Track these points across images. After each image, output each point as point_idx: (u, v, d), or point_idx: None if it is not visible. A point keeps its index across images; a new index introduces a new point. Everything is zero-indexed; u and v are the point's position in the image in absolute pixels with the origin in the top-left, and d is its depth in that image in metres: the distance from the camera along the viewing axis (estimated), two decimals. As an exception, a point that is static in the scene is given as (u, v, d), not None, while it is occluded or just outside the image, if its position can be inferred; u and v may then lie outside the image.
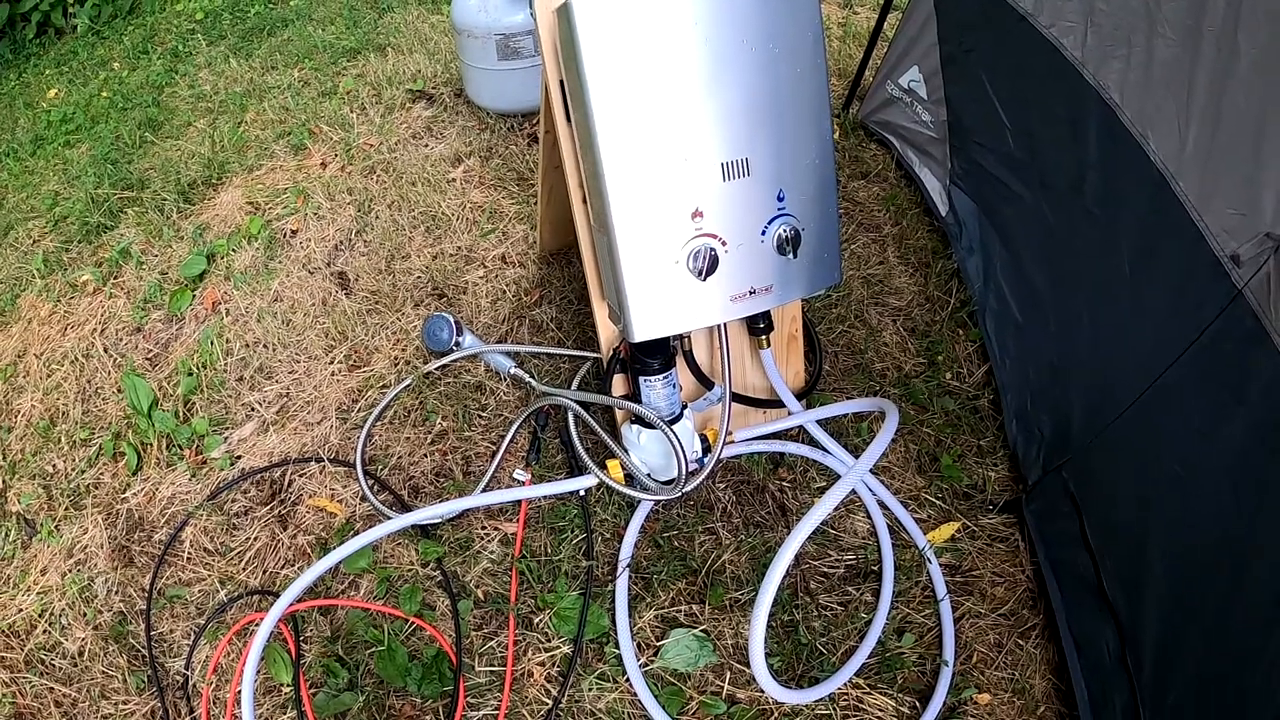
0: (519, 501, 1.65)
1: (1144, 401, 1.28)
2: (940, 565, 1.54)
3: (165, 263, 2.41)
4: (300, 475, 1.79)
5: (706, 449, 1.55)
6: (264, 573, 1.64)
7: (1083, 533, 1.39)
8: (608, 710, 1.39)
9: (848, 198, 2.40)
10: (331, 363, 2.02)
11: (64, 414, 2.03)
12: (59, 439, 1.97)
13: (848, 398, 1.81)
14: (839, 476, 1.63)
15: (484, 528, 1.65)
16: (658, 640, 1.46)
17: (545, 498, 1.65)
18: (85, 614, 1.62)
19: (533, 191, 2.45)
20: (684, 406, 1.56)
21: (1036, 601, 1.50)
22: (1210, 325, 1.13)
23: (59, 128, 3.48)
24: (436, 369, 1.95)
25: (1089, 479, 1.42)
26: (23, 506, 1.84)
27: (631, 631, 1.46)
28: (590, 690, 1.41)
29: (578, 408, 1.62)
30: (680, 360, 1.57)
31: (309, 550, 1.65)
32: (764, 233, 1.33)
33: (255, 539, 1.69)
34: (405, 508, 1.69)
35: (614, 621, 1.48)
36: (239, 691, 1.42)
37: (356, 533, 1.63)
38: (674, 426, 1.49)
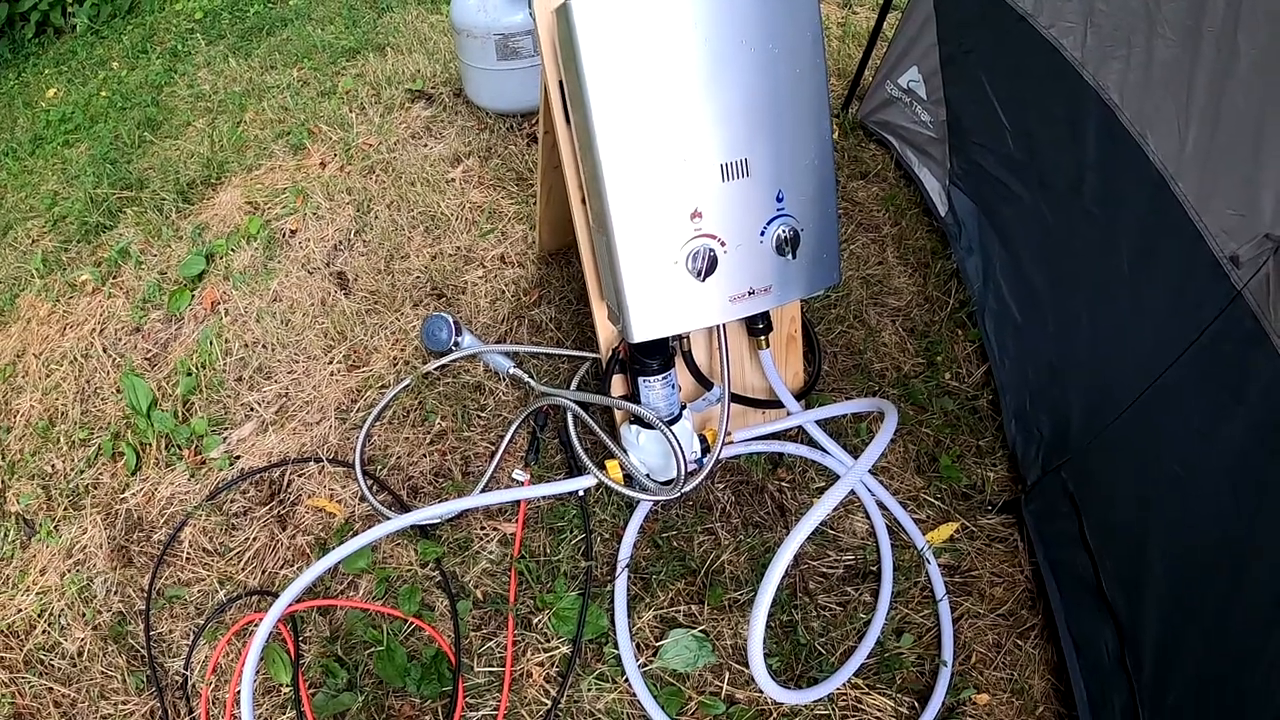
0: (518, 502, 1.65)
1: (1143, 402, 1.28)
2: (939, 565, 1.54)
3: (164, 262, 2.41)
4: (299, 475, 1.78)
5: (705, 449, 1.55)
6: (263, 573, 1.64)
7: (1081, 533, 1.39)
8: (607, 710, 1.39)
9: (847, 198, 2.40)
10: (330, 363, 2.02)
11: (63, 414, 2.03)
12: (58, 439, 1.97)
13: (847, 398, 1.81)
14: (838, 477, 1.64)
15: (483, 528, 1.65)
16: (657, 640, 1.46)
17: (544, 498, 1.65)
18: (84, 614, 1.62)
19: (532, 191, 2.45)
20: (683, 407, 1.56)
21: (1035, 602, 1.50)
22: (1209, 326, 1.13)
23: (58, 127, 3.48)
24: (435, 369, 1.95)
25: (1088, 479, 1.42)
26: (22, 506, 1.84)
27: (630, 632, 1.46)
28: (589, 690, 1.41)
29: (577, 408, 1.62)
30: (679, 361, 1.57)
31: (308, 550, 1.65)
32: (763, 233, 1.33)
33: (254, 539, 1.69)
34: (404, 508, 1.69)
35: (613, 622, 1.48)
36: (238, 691, 1.42)
37: (355, 533, 1.63)
38: (673, 427, 1.49)
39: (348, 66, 3.29)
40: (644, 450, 1.53)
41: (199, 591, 1.62)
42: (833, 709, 1.37)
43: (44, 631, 1.61)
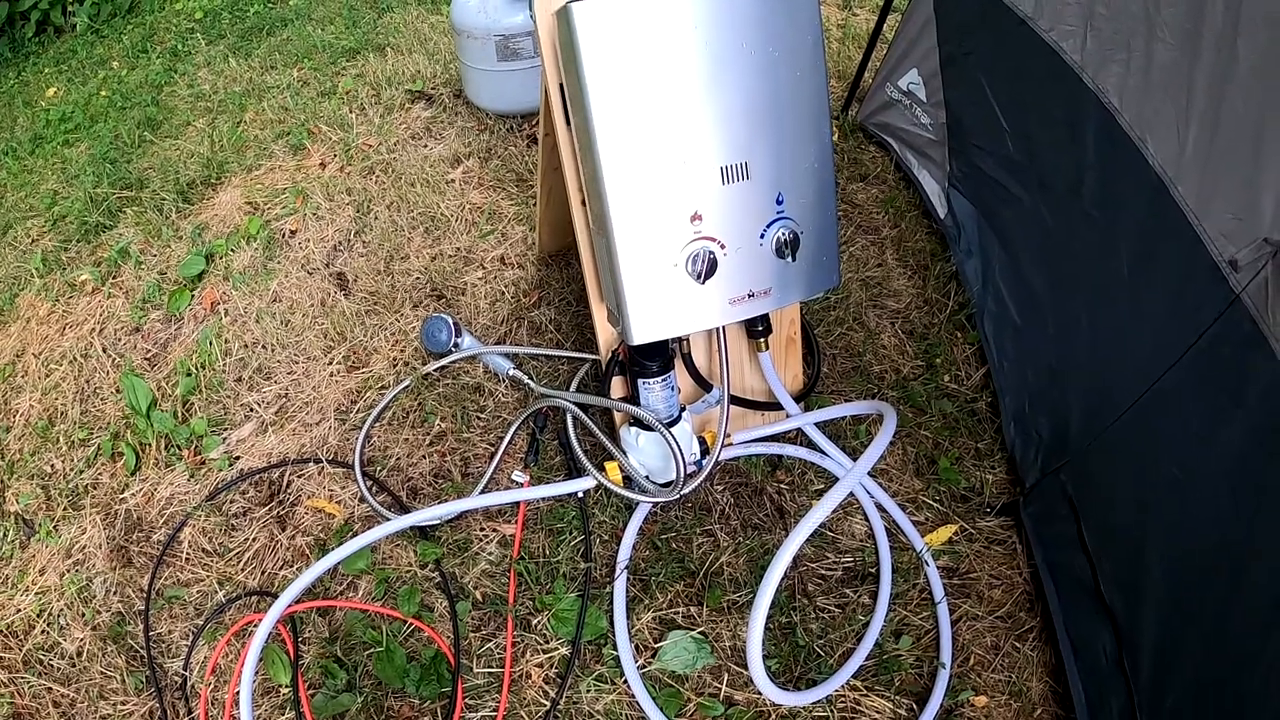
0: (517, 503, 1.65)
1: (1142, 405, 1.28)
2: (938, 568, 1.54)
3: (164, 262, 2.41)
4: (299, 476, 1.79)
5: (705, 451, 1.55)
6: (262, 573, 1.64)
7: (1080, 536, 1.39)
8: (605, 712, 1.39)
9: (846, 200, 2.40)
10: (330, 364, 2.02)
11: (62, 414, 2.03)
12: (57, 439, 1.97)
13: (846, 400, 1.81)
14: (837, 479, 1.64)
15: (482, 529, 1.65)
16: (655, 642, 1.46)
17: (543, 499, 1.66)
18: (84, 614, 1.62)
19: (532, 193, 2.45)
20: (682, 409, 1.56)
21: (1034, 604, 1.50)
22: (1208, 329, 1.13)
23: (58, 126, 3.47)
24: (435, 370, 1.95)
25: (1087, 482, 1.42)
26: (21, 506, 1.84)
27: (629, 633, 1.47)
28: (588, 692, 1.41)
29: (576, 409, 1.62)
30: (679, 363, 1.57)
31: (307, 551, 1.65)
32: (763, 236, 1.33)
33: (254, 540, 1.69)
34: (404, 509, 1.69)
35: (612, 623, 1.48)
36: (237, 692, 1.42)
37: (355, 534, 1.63)
38: (672, 429, 1.49)
39: (348, 67, 3.29)
40: (643, 452, 1.53)
41: (198, 592, 1.62)
42: (831, 711, 1.37)
43: (43, 631, 1.61)
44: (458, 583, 1.57)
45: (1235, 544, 1.07)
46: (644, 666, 1.43)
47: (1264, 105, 1.11)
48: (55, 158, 3.22)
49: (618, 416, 1.62)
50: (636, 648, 1.46)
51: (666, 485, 1.53)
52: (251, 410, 1.95)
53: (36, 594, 1.67)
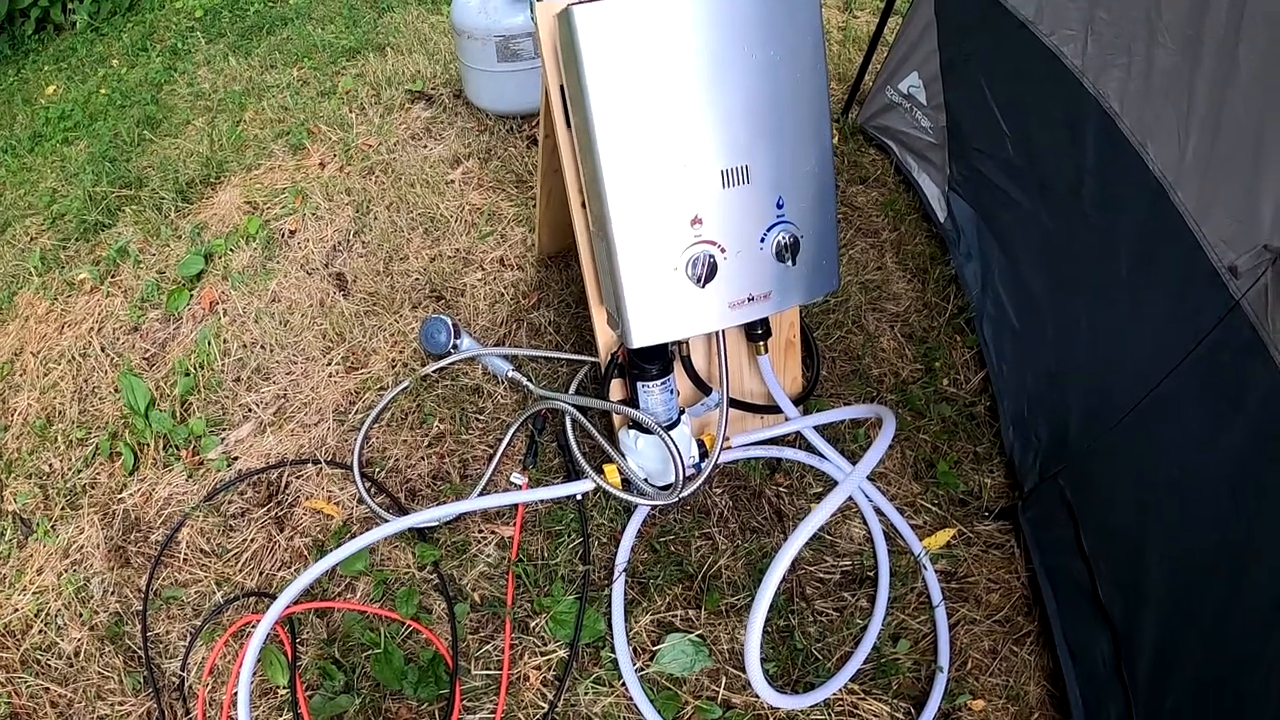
0: (516, 505, 1.65)
1: (1141, 409, 1.28)
2: (936, 571, 1.54)
3: (163, 262, 2.41)
4: (297, 477, 1.78)
5: (704, 454, 1.55)
6: (260, 574, 1.64)
7: (1078, 541, 1.39)
8: (603, 714, 1.39)
9: (846, 203, 2.40)
10: (329, 364, 2.02)
11: (60, 413, 2.03)
12: (55, 438, 1.97)
13: (845, 404, 1.81)
14: (836, 482, 1.64)
15: (481, 531, 1.65)
16: (654, 645, 1.46)
17: (542, 502, 1.65)
18: (81, 614, 1.62)
19: (531, 194, 2.45)
20: (681, 412, 1.56)
21: (1031, 608, 1.50)
22: (1208, 335, 1.14)
23: (57, 125, 3.47)
24: (434, 371, 1.95)
25: (1086, 486, 1.42)
26: (19, 506, 1.84)
27: (627, 636, 1.47)
28: (586, 694, 1.41)
29: (575, 412, 1.62)
30: (678, 366, 1.57)
31: (306, 552, 1.65)
32: (763, 240, 1.33)
33: (252, 540, 1.69)
34: (402, 510, 1.69)
35: (610, 626, 1.48)
36: (235, 693, 1.42)
37: (353, 535, 1.63)
38: (671, 432, 1.49)
39: (348, 66, 3.29)
40: (642, 455, 1.53)
41: (196, 592, 1.62)
42: (829, 714, 1.37)
43: (41, 631, 1.61)
44: (456, 585, 1.57)
45: (1235, 544, 1.07)
46: (642, 669, 1.43)
47: (1264, 111, 1.11)
48: (54, 156, 3.21)
49: (617, 419, 1.62)
50: (635, 650, 1.46)
51: (665, 488, 1.53)
52: (250, 411, 1.95)
53: (34, 594, 1.67)
